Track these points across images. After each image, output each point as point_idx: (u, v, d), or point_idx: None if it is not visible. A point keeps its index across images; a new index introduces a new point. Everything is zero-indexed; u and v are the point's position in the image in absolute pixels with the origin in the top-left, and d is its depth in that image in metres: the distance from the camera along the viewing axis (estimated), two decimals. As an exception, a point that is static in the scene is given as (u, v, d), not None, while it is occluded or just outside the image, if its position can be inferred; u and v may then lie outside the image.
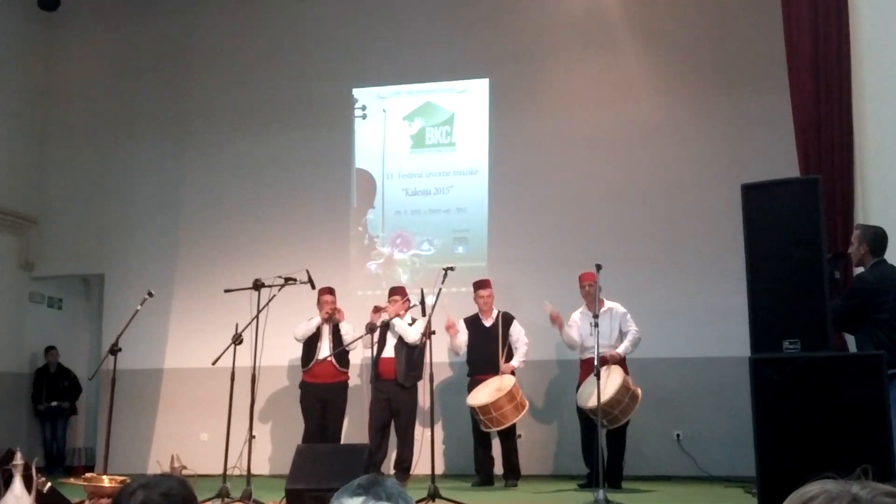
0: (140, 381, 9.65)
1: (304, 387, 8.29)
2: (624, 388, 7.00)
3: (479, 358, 7.97)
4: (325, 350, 8.24)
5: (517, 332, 8.01)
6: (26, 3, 10.38)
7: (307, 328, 8.29)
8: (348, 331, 8.29)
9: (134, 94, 10.60)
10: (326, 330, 8.34)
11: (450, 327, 7.95)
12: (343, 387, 8.34)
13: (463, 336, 8.08)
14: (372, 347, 7.73)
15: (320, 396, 8.18)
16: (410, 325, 8.09)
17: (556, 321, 7.73)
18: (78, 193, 10.58)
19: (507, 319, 8.02)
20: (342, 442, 8.25)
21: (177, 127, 10.58)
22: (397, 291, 8.26)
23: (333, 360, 8.15)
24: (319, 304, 8.35)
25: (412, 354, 7.94)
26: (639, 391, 7.16)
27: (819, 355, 5.44)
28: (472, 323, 8.14)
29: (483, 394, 7.48)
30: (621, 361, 7.46)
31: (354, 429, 8.72)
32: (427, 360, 6.97)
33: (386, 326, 8.04)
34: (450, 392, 8.87)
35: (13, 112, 10.32)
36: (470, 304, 8.28)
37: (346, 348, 8.17)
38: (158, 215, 10.40)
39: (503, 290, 8.44)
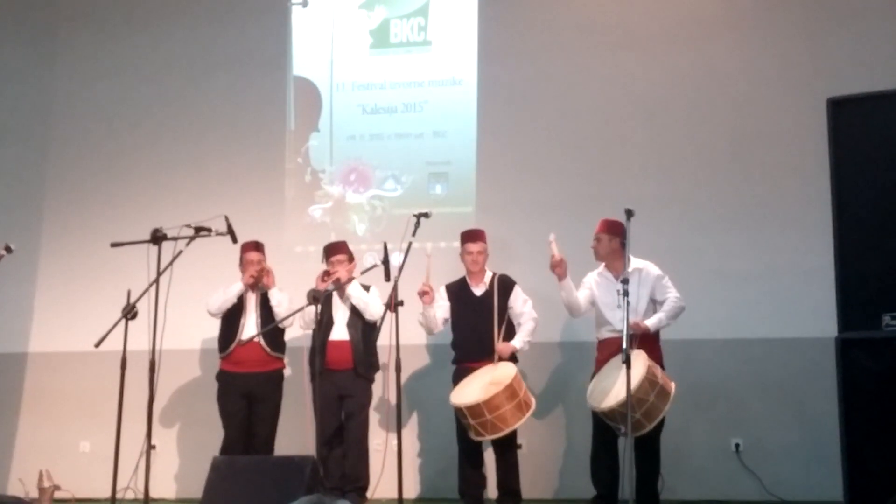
0: (-5, 370, 9.60)
1: (224, 378, 8.24)
2: (648, 382, 6.78)
3: (467, 339, 7.88)
4: (250, 328, 8.18)
5: (520, 302, 7.91)
6: None
7: (225, 298, 8.22)
8: (281, 300, 8.21)
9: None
10: (253, 300, 8.29)
11: (425, 293, 7.87)
12: (277, 378, 8.30)
13: (442, 309, 8.01)
14: (319, 326, 7.67)
15: (245, 391, 8.13)
16: (364, 294, 8.11)
17: (559, 268, 7.56)
18: None
19: (504, 285, 7.92)
20: (275, 453, 8.21)
21: (44, 18, 10.44)
22: (339, 249, 8.25)
23: (262, 342, 8.10)
24: (243, 264, 8.29)
25: (372, 335, 7.91)
26: (671, 385, 7.01)
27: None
28: (458, 291, 8.04)
29: (472, 389, 7.37)
30: (652, 341, 7.37)
31: (293, 435, 8.70)
32: (392, 342, 6.94)
33: (331, 296, 8.00)
34: (426, 386, 8.89)
35: None
36: (454, 267, 8.24)
37: (280, 325, 8.09)
38: (18, 141, 10.29)
39: (497, 245, 8.38)
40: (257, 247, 8.29)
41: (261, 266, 8.22)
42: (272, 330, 8.08)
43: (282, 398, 8.28)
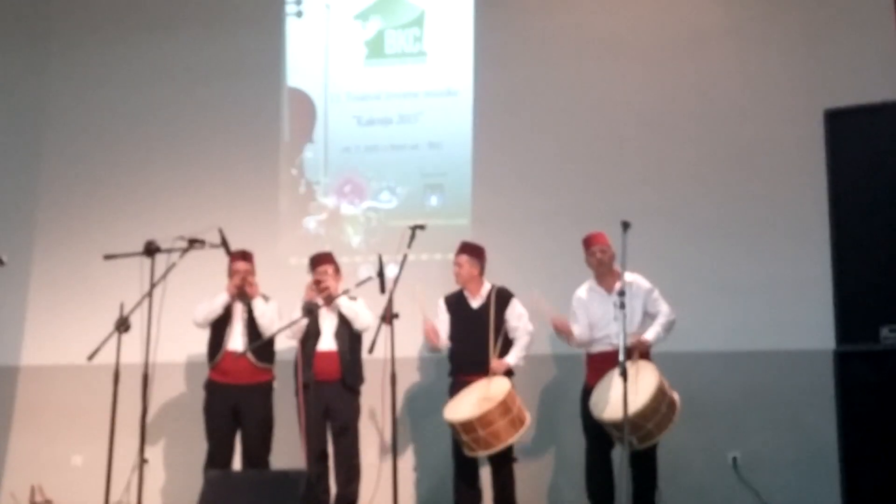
0: (-13, 384, 9.58)
1: (211, 387, 8.19)
2: (660, 393, 6.82)
3: (464, 352, 7.84)
4: (236, 338, 8.13)
5: (516, 315, 7.87)
6: None
7: (210, 309, 8.15)
8: (264, 311, 8.15)
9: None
10: (239, 310, 8.21)
11: (431, 332, 7.83)
12: (265, 390, 8.20)
13: (444, 323, 7.99)
14: (306, 337, 7.64)
15: (232, 402, 8.04)
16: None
17: (563, 329, 7.59)
18: None
19: (502, 298, 7.90)
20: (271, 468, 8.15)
21: (35, 28, 10.44)
22: (325, 260, 8.24)
23: (248, 354, 8.00)
24: (231, 274, 8.23)
25: (358, 346, 7.92)
26: (676, 397, 7.08)
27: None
28: (455, 303, 8.04)
29: (466, 404, 7.35)
30: (645, 355, 7.33)
31: (283, 449, 8.67)
32: (388, 354, 6.93)
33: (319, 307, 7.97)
34: (422, 399, 8.87)
35: None
36: (449, 279, 8.19)
37: (270, 336, 7.92)
38: (9, 151, 10.25)
39: (493, 256, 8.31)
40: (244, 256, 8.20)
41: (243, 276, 8.17)
42: (263, 341, 7.98)
43: (272, 412, 8.18)
